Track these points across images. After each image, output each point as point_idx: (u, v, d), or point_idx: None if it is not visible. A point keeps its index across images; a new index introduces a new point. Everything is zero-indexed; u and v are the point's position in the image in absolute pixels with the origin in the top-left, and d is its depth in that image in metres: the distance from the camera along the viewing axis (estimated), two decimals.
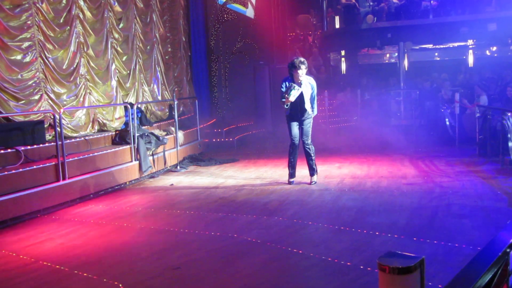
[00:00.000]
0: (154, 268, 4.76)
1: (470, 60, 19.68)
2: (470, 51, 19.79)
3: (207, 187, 8.46)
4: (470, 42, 19.27)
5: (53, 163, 7.45)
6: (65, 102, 9.00)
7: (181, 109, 13.31)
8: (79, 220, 6.69)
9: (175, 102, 10.92)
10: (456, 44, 19.94)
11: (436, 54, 22.04)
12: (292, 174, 8.40)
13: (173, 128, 11.03)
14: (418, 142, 12.20)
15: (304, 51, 21.60)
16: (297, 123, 8.21)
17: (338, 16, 20.10)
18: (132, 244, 5.63)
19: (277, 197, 7.48)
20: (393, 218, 6.04)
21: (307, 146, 8.23)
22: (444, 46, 20.60)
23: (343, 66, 20.97)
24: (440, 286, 3.87)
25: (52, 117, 8.16)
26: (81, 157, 8.12)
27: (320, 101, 17.50)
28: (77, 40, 9.33)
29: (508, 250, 2.00)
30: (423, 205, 6.63)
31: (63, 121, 8.39)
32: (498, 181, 7.97)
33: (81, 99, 9.41)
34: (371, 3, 18.92)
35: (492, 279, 1.86)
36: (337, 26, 20.22)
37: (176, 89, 13.32)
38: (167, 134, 10.69)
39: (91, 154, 8.35)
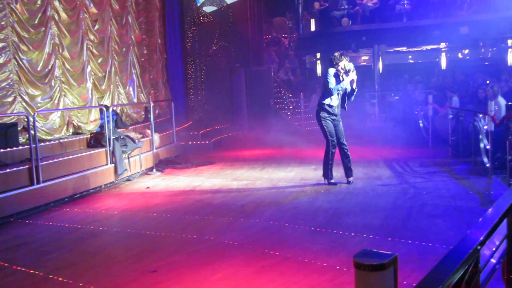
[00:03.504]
0: (130, 271, 4.74)
1: (443, 62, 19.98)
2: (443, 54, 20.10)
3: (184, 190, 8.44)
4: (442, 45, 19.57)
5: (27, 166, 7.34)
6: (39, 105, 8.88)
7: (157, 111, 13.25)
8: (53, 224, 6.61)
9: (151, 105, 10.87)
10: (429, 47, 20.25)
11: (410, 56, 22.34)
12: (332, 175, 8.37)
13: (149, 131, 10.97)
14: (392, 144, 12.33)
15: (280, 54, 21.72)
16: (333, 122, 8.11)
17: (313, 19, 20.26)
18: (108, 247, 5.59)
19: (254, 199, 7.50)
20: (369, 218, 6.11)
21: (346, 147, 8.21)
22: (417, 49, 20.90)
23: (319, 69, 21.11)
24: (414, 284, 3.93)
25: (25, 119, 8.06)
26: (56, 160, 8.03)
27: (296, 103, 17.65)
28: (52, 41, 9.22)
29: (478, 247, 2.05)
30: (397, 205, 6.73)
31: (37, 124, 8.28)
32: (470, 181, 8.12)
33: (56, 102, 9.30)
34: (346, 7, 19.12)
35: (463, 276, 1.91)
36: (313, 29, 20.37)
37: (152, 91, 13.24)
38: (143, 137, 10.63)
39: (65, 157, 8.26)
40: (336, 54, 8.13)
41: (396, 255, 1.54)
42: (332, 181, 8.26)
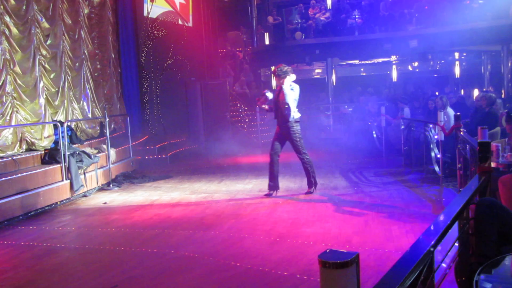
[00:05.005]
0: (90, 287, 4.69)
1: (394, 75, 20.59)
2: (394, 67, 20.70)
3: (142, 204, 8.39)
4: (393, 58, 20.16)
5: None
6: None
7: (112, 126, 13.12)
8: (8, 243, 6.45)
9: (107, 120, 10.76)
10: (380, 60, 20.81)
11: (362, 69, 22.89)
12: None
13: (104, 146, 10.85)
14: (347, 155, 12.58)
15: (235, 67, 21.87)
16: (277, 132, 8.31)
17: (267, 33, 20.53)
18: (66, 264, 5.51)
19: (213, 211, 7.53)
20: (326, 227, 6.23)
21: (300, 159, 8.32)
22: (369, 62, 21.45)
23: (274, 82, 21.34)
24: None
25: None
26: (9, 177, 7.84)
27: (252, 116, 17.80)
28: (2, 57, 9.04)
29: (431, 249, 2.17)
30: (354, 214, 6.88)
31: None
32: (422, 189, 8.39)
33: (8, 118, 9.11)
34: (299, 21, 19.47)
35: (418, 277, 2.02)
36: (267, 42, 20.64)
37: (106, 106, 13.13)
38: (98, 152, 10.50)
39: (19, 174, 8.08)
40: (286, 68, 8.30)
41: (357, 253, 1.64)
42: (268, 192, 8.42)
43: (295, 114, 8.23)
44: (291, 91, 8.21)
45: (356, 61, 21.32)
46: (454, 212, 2.80)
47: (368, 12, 18.56)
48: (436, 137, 9.05)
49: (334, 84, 19.46)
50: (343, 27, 18.62)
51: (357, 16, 18.47)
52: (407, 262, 2.03)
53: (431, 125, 9.40)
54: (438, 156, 8.87)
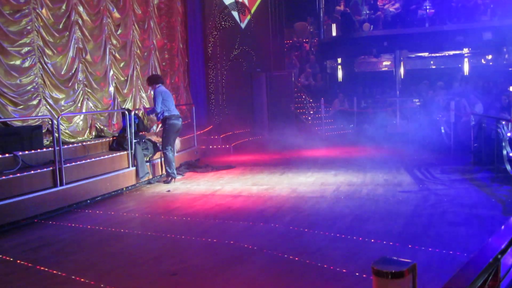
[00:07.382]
0: (150, 273, 4.79)
1: (466, 68, 19.78)
2: (466, 60, 19.90)
3: (204, 194, 8.49)
4: (465, 50, 19.39)
5: (51, 168, 7.46)
6: (63, 108, 9.04)
7: None
8: (76, 226, 6.71)
9: None
10: (451, 53, 20.06)
11: (432, 62, 22.15)
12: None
13: None
14: (413, 150, 12.24)
15: (301, 59, 21.73)
16: None
17: (335, 24, 20.23)
18: (129, 249, 5.66)
19: (274, 204, 7.52)
20: (389, 225, 6.09)
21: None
22: (439, 54, 20.73)
23: (340, 74, 21.07)
24: None
25: (50, 122, 8.20)
26: (79, 162, 8.14)
27: (317, 108, 17.67)
28: (76, 45, 9.38)
29: (499, 256, 2.05)
30: (418, 212, 6.68)
31: (61, 127, 8.40)
32: (492, 189, 8.03)
33: (79, 105, 9.46)
34: (368, 12, 19.07)
35: (482, 285, 1.91)
36: (334, 33, 20.34)
37: (173, 95, 13.36)
38: None
39: (88, 160, 8.37)
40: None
41: (414, 263, 1.55)
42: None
43: (165, 113, 9.42)
44: (159, 95, 9.32)
45: (426, 54, 20.66)
46: None
47: (440, 2, 17.91)
48: (509, 134, 8.63)
49: (402, 77, 18.95)
50: (413, 18, 18.08)
51: (428, 7, 17.86)
52: (472, 269, 1.92)
53: (503, 122, 8.96)
54: (511, 154, 8.46)
